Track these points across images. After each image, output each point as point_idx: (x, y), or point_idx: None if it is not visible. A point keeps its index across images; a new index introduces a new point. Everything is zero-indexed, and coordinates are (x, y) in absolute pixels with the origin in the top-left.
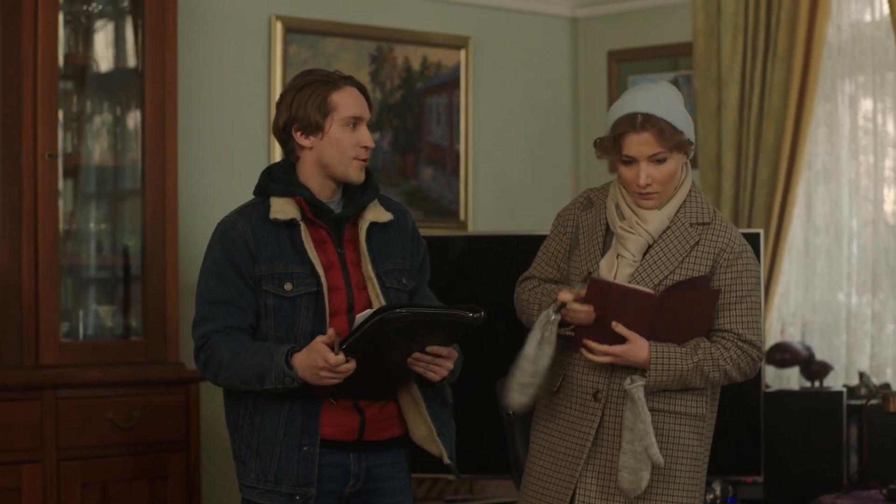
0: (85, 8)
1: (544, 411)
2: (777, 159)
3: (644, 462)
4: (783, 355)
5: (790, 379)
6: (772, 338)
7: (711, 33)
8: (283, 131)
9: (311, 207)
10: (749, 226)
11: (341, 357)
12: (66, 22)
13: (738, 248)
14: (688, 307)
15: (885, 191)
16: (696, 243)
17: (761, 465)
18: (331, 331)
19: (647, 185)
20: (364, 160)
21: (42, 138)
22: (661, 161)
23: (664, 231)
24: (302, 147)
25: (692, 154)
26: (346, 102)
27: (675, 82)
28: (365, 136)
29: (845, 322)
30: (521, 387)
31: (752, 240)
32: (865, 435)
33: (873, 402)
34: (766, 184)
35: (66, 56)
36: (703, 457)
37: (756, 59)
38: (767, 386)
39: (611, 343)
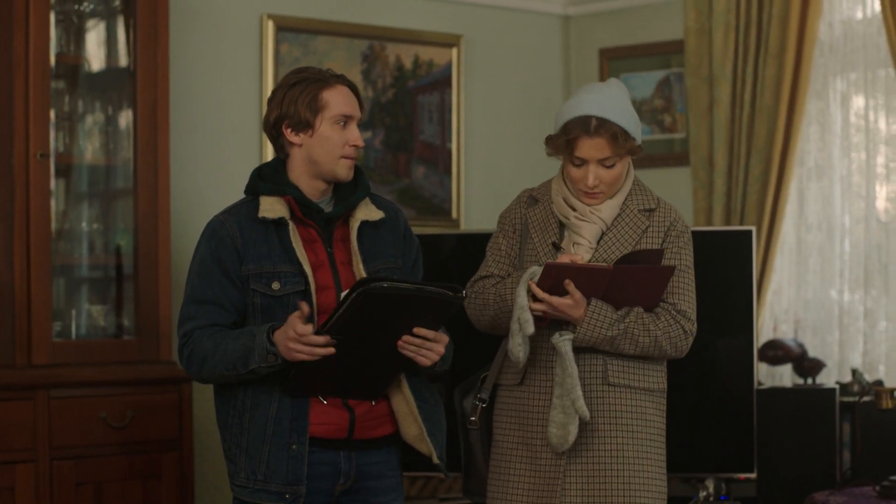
0: (76, 7)
1: (508, 406)
2: (769, 156)
3: (572, 416)
4: (776, 352)
5: (783, 376)
6: (764, 335)
7: (703, 31)
8: (273, 128)
9: (301, 206)
10: (741, 223)
11: (310, 327)
12: (58, 21)
13: (682, 228)
14: (641, 281)
15: (877, 187)
16: (647, 228)
17: (754, 462)
18: (303, 304)
19: (595, 186)
20: (353, 158)
21: (34, 138)
22: (610, 166)
23: (616, 217)
24: (292, 144)
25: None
26: (337, 100)
27: (666, 80)
28: (354, 134)
29: (838, 319)
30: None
31: (745, 237)
32: (858, 432)
33: (866, 398)
34: (759, 181)
35: (58, 55)
36: (664, 431)
37: (748, 56)
38: (760, 383)
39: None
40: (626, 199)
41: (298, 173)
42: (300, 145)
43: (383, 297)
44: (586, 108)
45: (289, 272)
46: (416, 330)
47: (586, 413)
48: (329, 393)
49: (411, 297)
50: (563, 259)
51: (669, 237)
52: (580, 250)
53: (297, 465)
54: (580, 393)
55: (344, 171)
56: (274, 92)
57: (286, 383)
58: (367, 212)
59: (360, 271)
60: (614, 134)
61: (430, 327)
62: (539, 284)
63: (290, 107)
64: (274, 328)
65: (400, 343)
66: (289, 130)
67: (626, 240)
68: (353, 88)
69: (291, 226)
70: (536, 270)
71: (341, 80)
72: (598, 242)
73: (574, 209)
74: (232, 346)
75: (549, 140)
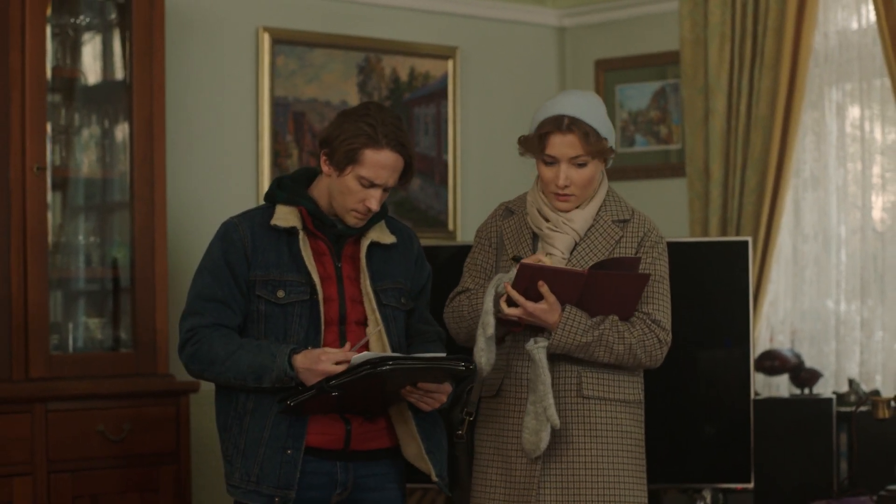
0: (72, 21)
1: (486, 417)
2: (765, 167)
3: (544, 423)
4: (772, 363)
5: (780, 386)
6: (761, 345)
7: (698, 42)
8: (318, 145)
9: (314, 219)
10: (737, 233)
11: (340, 366)
12: (54, 35)
13: (657, 238)
14: (616, 287)
15: (873, 198)
16: (620, 238)
17: (751, 472)
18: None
19: (566, 186)
20: (363, 214)
21: (30, 151)
22: (581, 165)
23: (589, 229)
24: (323, 169)
25: (611, 162)
26: (374, 164)
27: (662, 91)
28: (374, 198)
29: (834, 329)
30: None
31: (741, 248)
32: (855, 442)
33: (863, 408)
34: (754, 192)
35: (54, 69)
36: (643, 442)
37: (743, 67)
38: (757, 393)
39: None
40: (599, 210)
41: (322, 191)
42: (328, 175)
43: (392, 373)
44: (559, 108)
45: (295, 281)
46: (420, 385)
47: (556, 421)
48: (330, 412)
49: (420, 369)
50: (530, 260)
51: (644, 247)
52: (553, 260)
53: (290, 469)
54: (552, 401)
55: (351, 221)
56: (341, 112)
57: (290, 405)
58: (380, 234)
59: (367, 288)
60: (586, 132)
61: (435, 382)
62: (514, 285)
63: (335, 141)
64: (294, 351)
65: (403, 391)
66: (324, 158)
67: (600, 250)
68: (404, 156)
69: (302, 236)
70: (503, 277)
71: (394, 146)
72: (571, 253)
73: (547, 220)
74: (247, 359)
75: (523, 139)
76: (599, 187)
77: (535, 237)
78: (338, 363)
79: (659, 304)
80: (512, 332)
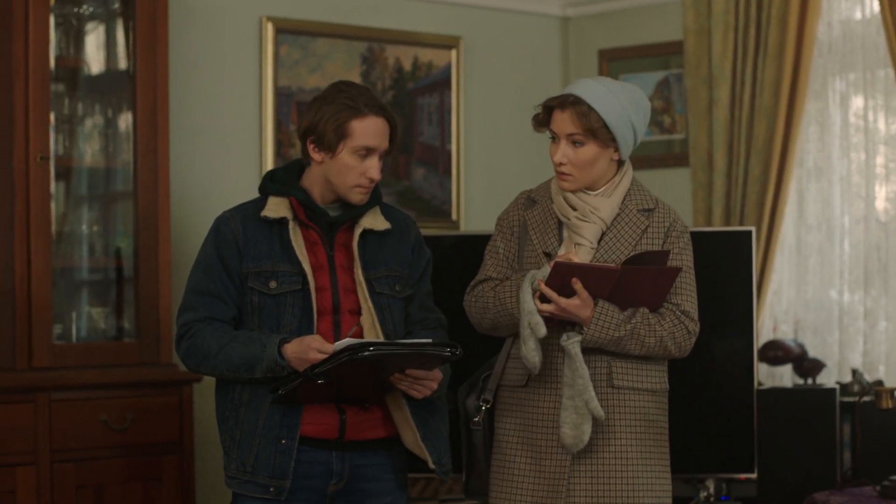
0: (76, 10)
1: (511, 407)
2: (768, 157)
3: (585, 416)
4: (776, 353)
5: (783, 376)
6: (764, 335)
7: (702, 31)
8: (301, 136)
9: (305, 209)
10: (741, 223)
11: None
12: (57, 24)
13: (682, 228)
14: (648, 282)
15: (877, 188)
16: (646, 228)
17: (755, 462)
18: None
19: (561, 163)
20: (367, 188)
21: (34, 141)
22: (578, 143)
23: (615, 217)
24: (312, 158)
25: (627, 152)
26: (363, 132)
27: (665, 81)
28: (373, 167)
29: (838, 319)
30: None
31: (744, 238)
32: (858, 432)
33: (866, 398)
34: (758, 181)
35: (58, 58)
36: (667, 431)
37: (747, 57)
38: (760, 383)
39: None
40: (624, 199)
41: (314, 180)
42: (320, 162)
43: (372, 359)
44: (572, 88)
45: (286, 272)
46: (408, 371)
47: (601, 412)
48: (324, 401)
49: (403, 354)
50: (561, 258)
51: (670, 238)
52: (581, 251)
53: (285, 459)
54: (593, 393)
55: (356, 198)
56: (313, 100)
57: (280, 394)
58: (373, 221)
59: (360, 276)
60: (582, 112)
61: (424, 369)
62: (548, 283)
63: (319, 125)
64: (284, 341)
65: (393, 379)
66: (312, 146)
67: (627, 239)
68: (389, 120)
69: (292, 226)
70: (536, 274)
71: (376, 110)
72: (599, 242)
73: (575, 209)
74: (239, 350)
75: (535, 116)
76: (623, 176)
77: (561, 225)
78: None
79: (687, 295)
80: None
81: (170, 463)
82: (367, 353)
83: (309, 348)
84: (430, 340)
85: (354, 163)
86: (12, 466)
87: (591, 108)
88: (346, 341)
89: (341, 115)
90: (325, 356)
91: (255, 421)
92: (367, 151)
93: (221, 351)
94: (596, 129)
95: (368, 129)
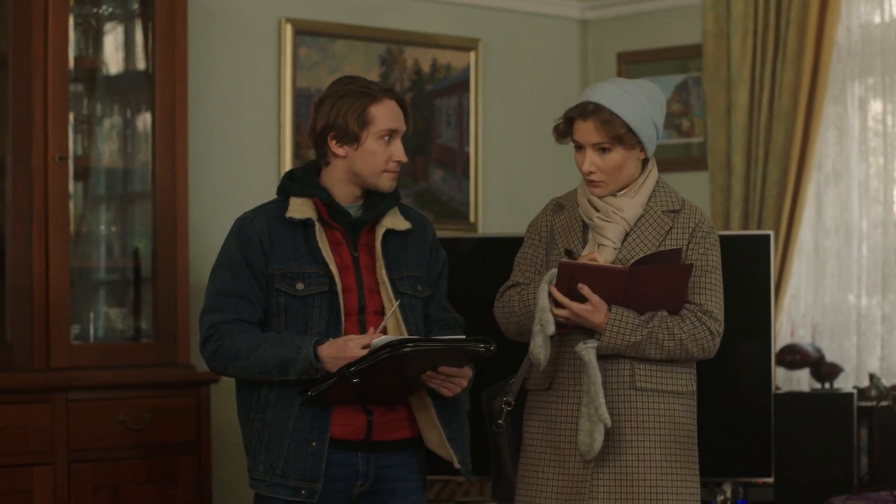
0: (95, 10)
1: (536, 410)
2: (787, 161)
3: (596, 424)
4: (793, 357)
5: (800, 381)
6: (782, 339)
7: (721, 35)
8: (318, 136)
9: (328, 209)
10: (759, 227)
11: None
12: (77, 25)
13: (708, 228)
14: (659, 281)
15: (895, 192)
16: (671, 229)
17: (772, 466)
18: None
19: (591, 172)
20: (395, 172)
21: (52, 141)
22: (605, 150)
23: (639, 218)
24: (336, 155)
25: (652, 150)
26: (384, 115)
27: (684, 84)
28: (398, 149)
29: (855, 324)
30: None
31: (763, 241)
32: (876, 436)
33: (884, 403)
34: (776, 185)
35: (77, 59)
36: (695, 434)
37: (766, 60)
38: (778, 388)
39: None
40: (649, 200)
41: (335, 179)
42: (344, 157)
43: (413, 354)
44: (590, 94)
45: (313, 273)
46: (441, 368)
47: (608, 420)
48: (351, 402)
49: (439, 350)
50: (582, 259)
51: (695, 237)
52: (604, 251)
53: (316, 461)
54: (602, 400)
55: (386, 184)
56: (322, 100)
57: (311, 396)
58: (395, 221)
59: (383, 277)
60: (605, 120)
61: (456, 366)
62: (556, 285)
63: (338, 119)
64: (318, 343)
65: (424, 376)
66: (334, 142)
67: (651, 240)
68: (400, 102)
69: (318, 227)
70: (554, 273)
71: (389, 93)
72: (623, 243)
73: (597, 210)
74: (271, 353)
75: (556, 127)
76: (648, 176)
77: (586, 228)
78: (364, 347)
79: (710, 295)
80: (559, 333)
81: (187, 464)
82: (407, 349)
83: (346, 346)
84: (463, 336)
85: (380, 148)
86: (30, 466)
87: (613, 114)
88: (385, 338)
89: (358, 103)
90: (366, 353)
91: (284, 423)
92: (391, 134)
93: (253, 353)
94: (622, 136)
95: (388, 112)
